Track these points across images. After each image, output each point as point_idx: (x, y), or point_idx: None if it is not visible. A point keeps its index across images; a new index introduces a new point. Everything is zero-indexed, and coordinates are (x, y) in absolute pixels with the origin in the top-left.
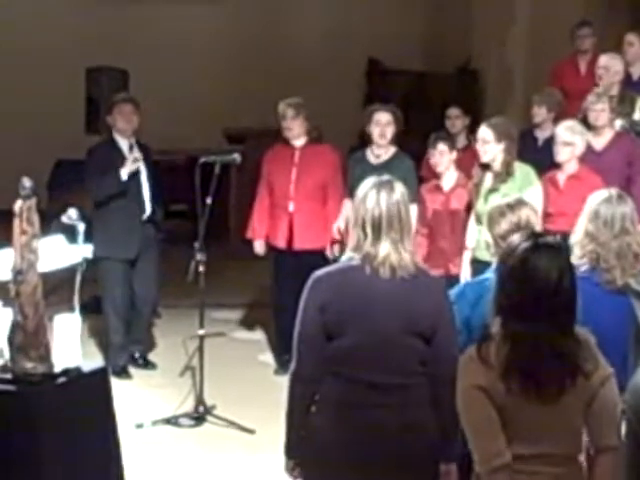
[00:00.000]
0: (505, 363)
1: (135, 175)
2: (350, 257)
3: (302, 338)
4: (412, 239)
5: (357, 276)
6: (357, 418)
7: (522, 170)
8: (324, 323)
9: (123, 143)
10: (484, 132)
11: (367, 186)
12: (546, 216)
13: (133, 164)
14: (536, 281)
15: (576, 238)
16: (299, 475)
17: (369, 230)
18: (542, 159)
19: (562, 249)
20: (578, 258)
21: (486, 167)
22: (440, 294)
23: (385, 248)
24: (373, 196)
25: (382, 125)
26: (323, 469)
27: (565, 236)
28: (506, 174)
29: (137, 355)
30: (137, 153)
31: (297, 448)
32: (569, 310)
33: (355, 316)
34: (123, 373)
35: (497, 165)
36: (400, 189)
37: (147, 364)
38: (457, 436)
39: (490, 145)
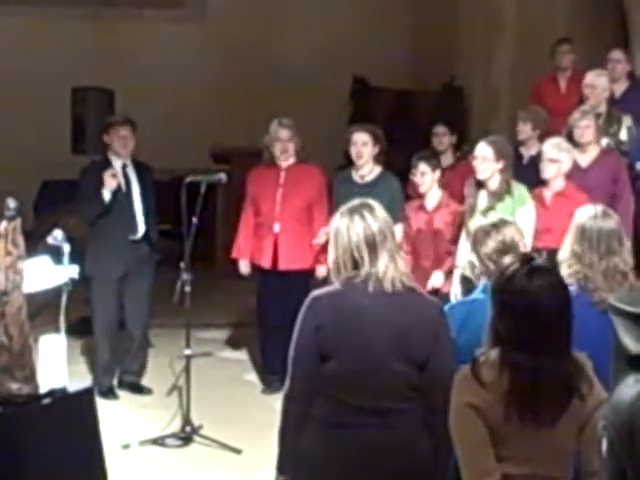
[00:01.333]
0: (506, 393)
1: (127, 193)
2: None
3: (297, 357)
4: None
5: (355, 298)
6: (346, 440)
7: (516, 189)
8: (318, 343)
9: (117, 163)
10: (484, 149)
11: (345, 215)
12: (533, 233)
13: (112, 181)
14: (535, 309)
15: (563, 256)
16: None
17: (365, 252)
18: (527, 177)
19: (555, 271)
20: (566, 277)
21: (480, 184)
22: (438, 320)
23: (384, 262)
24: (358, 220)
25: (358, 145)
26: None
27: (551, 253)
28: (505, 192)
29: (129, 381)
30: (113, 169)
31: (288, 466)
32: (567, 333)
33: (348, 340)
34: (110, 394)
35: (494, 184)
36: (378, 206)
37: (141, 390)
38: (449, 461)
39: (489, 163)
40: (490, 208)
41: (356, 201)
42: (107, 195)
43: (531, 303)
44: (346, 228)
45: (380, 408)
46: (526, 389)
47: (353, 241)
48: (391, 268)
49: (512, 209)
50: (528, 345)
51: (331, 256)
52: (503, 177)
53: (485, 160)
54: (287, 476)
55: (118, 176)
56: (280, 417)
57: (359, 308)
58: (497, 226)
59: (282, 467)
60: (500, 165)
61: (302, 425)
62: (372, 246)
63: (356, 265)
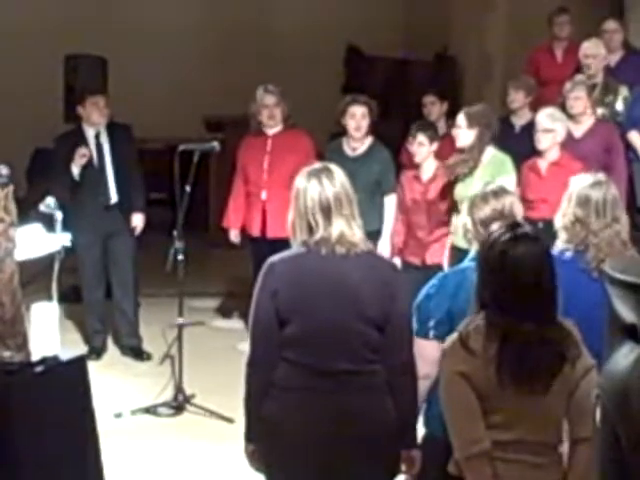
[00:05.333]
0: (497, 358)
1: (99, 163)
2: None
3: (256, 324)
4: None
5: (310, 263)
6: (307, 404)
7: (497, 158)
8: (276, 309)
9: (90, 133)
10: (459, 119)
11: (304, 177)
12: (528, 203)
13: (80, 160)
14: (517, 274)
15: (563, 223)
16: (259, 459)
17: (319, 217)
18: (519, 146)
19: (540, 238)
20: (564, 242)
21: (461, 152)
22: (394, 280)
23: (338, 227)
24: (315, 184)
25: (358, 118)
26: (280, 453)
27: (546, 223)
28: (477, 159)
29: (131, 345)
30: (84, 149)
31: (256, 433)
32: (551, 300)
33: (304, 303)
34: (92, 354)
35: (467, 151)
36: (338, 171)
37: (141, 355)
38: (416, 423)
39: (462, 130)
40: (469, 174)
41: (317, 164)
42: (76, 171)
43: (512, 269)
44: (303, 191)
45: (341, 370)
46: (516, 354)
47: (308, 206)
48: (347, 234)
49: (489, 178)
50: (511, 310)
51: (289, 217)
52: (476, 143)
53: (458, 128)
54: (255, 444)
55: (88, 153)
56: (244, 385)
57: (314, 272)
58: (497, 194)
59: (249, 435)
60: (474, 132)
61: (265, 391)
62: (326, 211)
63: (311, 229)
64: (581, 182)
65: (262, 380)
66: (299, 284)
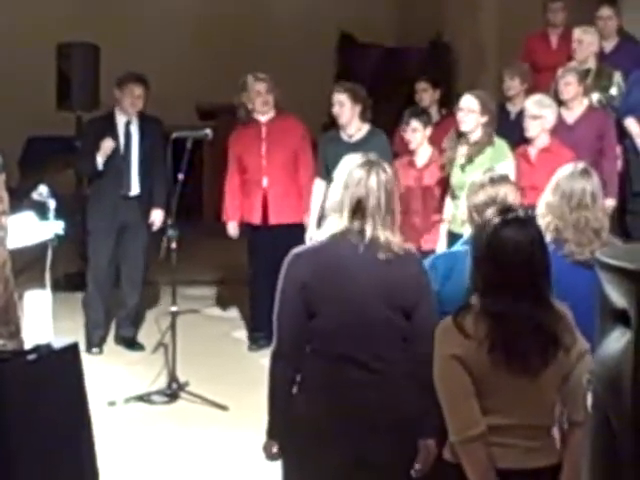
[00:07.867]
0: (489, 339)
1: (126, 151)
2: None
3: (282, 316)
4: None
5: (335, 252)
6: (338, 397)
7: (496, 143)
8: (304, 301)
9: (121, 119)
10: (470, 101)
11: (354, 167)
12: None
13: (105, 151)
14: (507, 256)
15: (539, 210)
16: (277, 454)
17: (359, 210)
18: (514, 133)
19: (532, 222)
20: (543, 230)
21: (460, 138)
22: (418, 271)
23: (370, 228)
24: (368, 178)
25: (336, 106)
26: (304, 447)
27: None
28: (487, 144)
29: (124, 336)
30: (110, 141)
31: (279, 429)
32: (543, 283)
33: (335, 294)
34: (92, 348)
35: (476, 136)
36: (388, 168)
37: (134, 346)
38: (435, 412)
39: (474, 115)
40: (469, 161)
41: (361, 156)
42: (100, 160)
43: (499, 252)
44: (356, 181)
45: (370, 359)
46: (509, 333)
47: (354, 196)
48: (382, 237)
49: (489, 163)
50: (502, 294)
51: (333, 198)
52: (487, 130)
53: (470, 112)
54: (277, 441)
55: (114, 144)
56: (268, 378)
57: (341, 261)
58: (494, 181)
59: (272, 432)
60: (484, 119)
61: (291, 385)
62: (366, 206)
63: (350, 220)
64: (560, 172)
65: (288, 374)
66: (328, 275)
